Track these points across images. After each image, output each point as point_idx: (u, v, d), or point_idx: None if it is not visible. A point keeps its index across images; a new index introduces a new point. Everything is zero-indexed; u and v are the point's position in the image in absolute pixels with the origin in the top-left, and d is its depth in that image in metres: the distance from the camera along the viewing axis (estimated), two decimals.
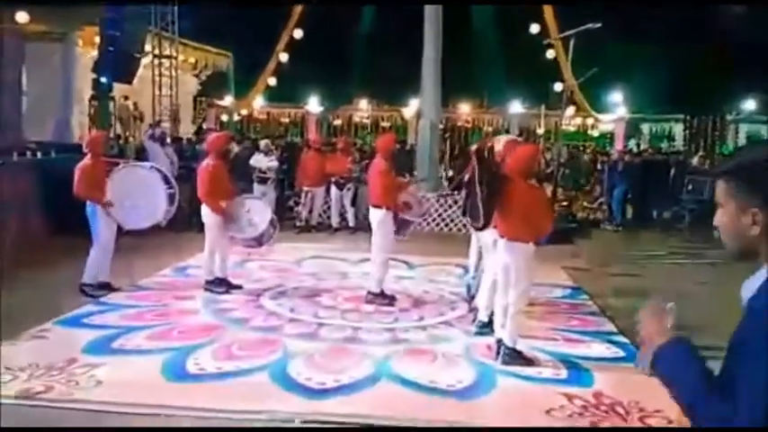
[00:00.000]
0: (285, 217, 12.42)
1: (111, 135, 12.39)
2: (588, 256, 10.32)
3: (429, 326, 6.24)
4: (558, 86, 19.99)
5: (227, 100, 23.82)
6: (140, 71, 14.87)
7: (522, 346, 5.53)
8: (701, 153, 16.58)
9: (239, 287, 7.05)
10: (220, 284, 6.92)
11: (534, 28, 22.93)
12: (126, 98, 16.82)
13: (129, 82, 12.32)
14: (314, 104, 26.64)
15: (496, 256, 5.31)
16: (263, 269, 8.41)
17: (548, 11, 22.18)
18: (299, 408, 4.29)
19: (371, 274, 6.74)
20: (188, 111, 20.79)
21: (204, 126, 22.52)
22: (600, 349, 5.75)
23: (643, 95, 23.98)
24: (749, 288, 1.56)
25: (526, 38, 22.47)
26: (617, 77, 23.50)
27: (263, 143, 11.91)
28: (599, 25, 12.73)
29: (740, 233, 1.58)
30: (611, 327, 6.43)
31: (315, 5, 23.15)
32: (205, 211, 6.82)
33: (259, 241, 7.08)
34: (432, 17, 13.01)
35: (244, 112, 25.70)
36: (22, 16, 12.18)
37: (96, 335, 5.53)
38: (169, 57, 14.39)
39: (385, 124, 27.86)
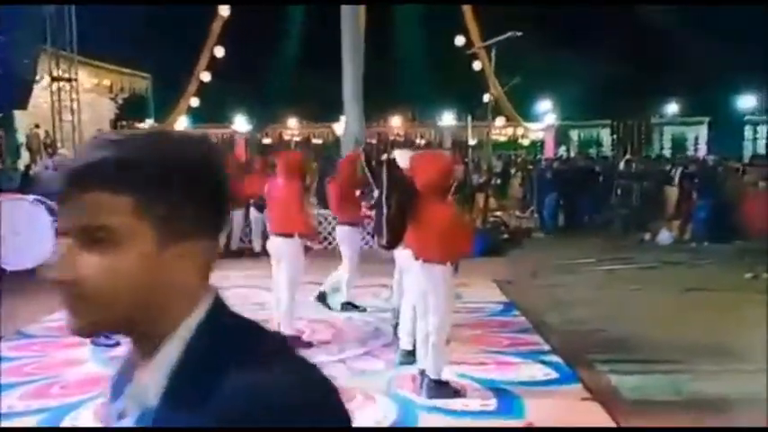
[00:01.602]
0: None
1: (21, 166, 11.51)
2: (520, 267, 9.99)
3: (349, 358, 5.70)
4: (486, 97, 19.93)
5: (148, 123, 22.94)
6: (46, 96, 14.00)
7: (448, 374, 5.06)
8: (627, 157, 16.67)
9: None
10: (108, 336, 6.11)
11: (459, 40, 22.89)
12: (37, 126, 15.81)
13: (23, 107, 11.41)
14: (241, 124, 25.96)
15: (413, 279, 4.82)
16: None
17: (471, 22, 22.14)
18: None
19: (282, 314, 5.98)
20: None
21: None
22: (532, 372, 5.33)
23: (570, 103, 24.25)
24: None
25: (453, 49, 22.40)
26: (544, 86, 23.72)
27: None
28: (520, 34, 12.60)
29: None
30: (544, 345, 6.04)
31: (236, 20, 22.50)
32: None
33: None
34: (349, 29, 12.64)
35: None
36: None
37: None
38: (69, 79, 13.46)
39: (317, 141, 27.42)
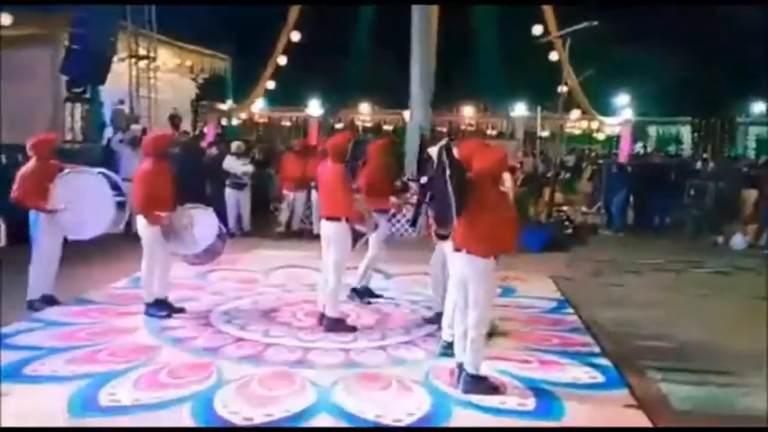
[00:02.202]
0: (264, 223, 11.92)
1: (104, 140, 11.89)
2: (582, 264, 9.67)
3: (390, 346, 5.64)
4: (560, 89, 19.39)
5: (228, 104, 23.31)
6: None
7: (488, 369, 4.94)
8: (704, 156, 15.88)
9: (182, 310, 6.34)
10: (161, 307, 6.21)
11: (537, 29, 22.28)
12: (121, 102, 16.38)
13: (101, 83, 11.76)
14: (315, 108, 26.18)
15: (454, 272, 4.70)
16: (224, 280, 7.85)
17: (548, 11, 21.50)
18: None
19: (327, 296, 5.98)
20: (186, 115, 20.29)
21: (205, 131, 22.12)
22: (577, 374, 5.13)
23: (650, 97, 23.28)
24: None
25: (529, 39, 21.83)
26: (623, 79, 22.85)
27: (234, 145, 11.35)
28: (596, 23, 12.20)
29: None
30: (594, 347, 5.81)
31: (313, 7, 22.62)
32: (141, 223, 6.08)
33: (203, 258, 6.41)
34: (420, 16, 12.49)
35: (243, 116, 25.24)
36: (5, 18, 11.73)
37: (14, 357, 4.98)
38: (147, 57, 13.80)
39: (387, 127, 27.41)
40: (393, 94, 23.85)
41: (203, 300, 6.91)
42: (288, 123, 27.11)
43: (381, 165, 6.84)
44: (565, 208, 13.74)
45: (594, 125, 24.82)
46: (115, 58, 13.11)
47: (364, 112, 26.89)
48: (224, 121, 24.39)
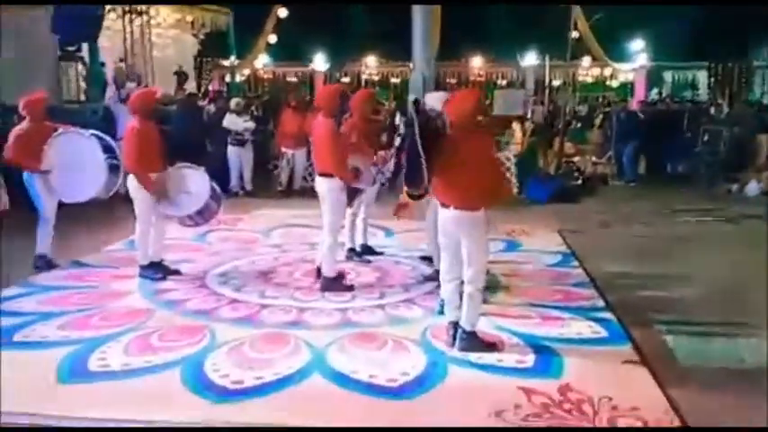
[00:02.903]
0: (265, 182, 11.75)
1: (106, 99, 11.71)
2: (590, 216, 9.47)
3: (389, 304, 5.52)
4: (571, 36, 18.83)
5: (231, 60, 22.84)
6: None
7: (487, 326, 4.83)
8: (718, 101, 15.42)
9: (177, 272, 6.24)
10: (156, 270, 6.10)
11: None
12: (122, 60, 16.12)
13: (93, 40, 11.46)
14: (320, 62, 25.75)
15: (443, 229, 4.52)
16: (224, 241, 7.74)
17: None
18: (200, 414, 3.63)
19: (323, 256, 5.84)
20: (190, 72, 19.99)
21: (210, 88, 21.84)
22: (579, 328, 5.00)
23: (664, 43, 22.58)
24: None
25: None
26: (637, 23, 22.15)
27: (233, 102, 11.10)
28: None
29: None
30: (598, 300, 5.66)
31: None
32: (132, 185, 5.91)
33: (197, 219, 6.24)
34: None
35: (246, 71, 24.88)
36: None
37: (5, 323, 4.91)
38: (140, 13, 13.48)
39: (395, 80, 26.96)
40: (401, 45, 23.37)
41: (200, 261, 6.81)
42: (294, 79, 26.74)
43: (363, 117, 6.57)
44: (576, 159, 13.47)
45: (608, 72, 24.25)
46: (113, 15, 12.87)
47: (371, 65, 26.43)
48: (227, 78, 24.06)
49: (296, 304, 5.48)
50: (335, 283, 5.78)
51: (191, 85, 18.94)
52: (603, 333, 4.92)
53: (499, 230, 8.02)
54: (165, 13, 18.08)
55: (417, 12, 12.33)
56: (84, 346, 4.51)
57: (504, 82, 24.93)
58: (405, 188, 4.74)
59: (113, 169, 6.23)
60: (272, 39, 23.12)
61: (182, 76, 18.64)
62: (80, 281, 6.08)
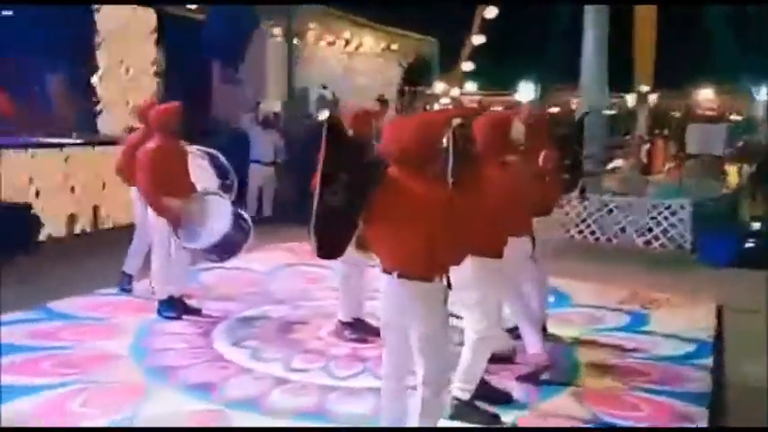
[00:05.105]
0: None
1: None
2: None
3: None
4: None
5: (439, 87, 22.26)
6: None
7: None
8: None
9: (198, 311, 5.46)
10: (172, 307, 5.37)
11: None
12: (324, 87, 16.48)
13: (235, 60, 11.20)
14: (526, 91, 24.33)
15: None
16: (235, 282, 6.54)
17: None
18: None
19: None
20: (393, 100, 19.85)
21: None
22: None
23: None
24: None
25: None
26: None
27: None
28: None
29: None
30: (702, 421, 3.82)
31: None
32: (150, 211, 5.26)
33: (220, 253, 5.28)
34: None
35: (444, 100, 24.28)
36: None
37: None
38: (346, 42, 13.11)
39: (608, 112, 24.61)
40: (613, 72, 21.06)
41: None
42: (498, 108, 25.58)
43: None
44: None
45: None
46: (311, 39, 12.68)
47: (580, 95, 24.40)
48: (427, 107, 23.64)
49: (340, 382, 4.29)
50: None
51: (391, 114, 18.76)
52: None
53: (638, 298, 6.35)
54: (370, 42, 18.25)
55: (588, 31, 10.63)
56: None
57: (739, 117, 21.46)
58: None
59: (226, 189, 5.52)
60: (467, 66, 22.16)
61: (384, 104, 18.53)
62: (95, 311, 5.45)
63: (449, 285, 3.06)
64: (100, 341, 4.74)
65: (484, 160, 3.82)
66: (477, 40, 20.79)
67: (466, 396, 3.76)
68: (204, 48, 9.89)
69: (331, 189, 2.75)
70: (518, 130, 4.30)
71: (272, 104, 11.85)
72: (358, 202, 2.83)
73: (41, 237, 7.61)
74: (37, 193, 7.82)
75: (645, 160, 14.26)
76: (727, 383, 4.58)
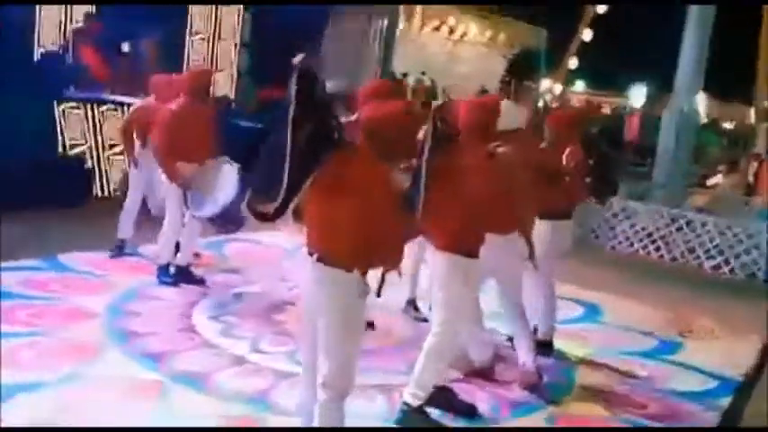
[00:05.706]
0: None
1: None
2: None
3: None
4: None
5: (547, 83, 21.44)
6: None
7: None
8: None
9: (202, 282, 5.34)
10: (175, 273, 5.28)
11: None
12: (423, 73, 16.25)
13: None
14: (637, 95, 23.13)
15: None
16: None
17: None
18: None
19: None
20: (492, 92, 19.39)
21: None
22: None
23: None
24: None
25: None
26: None
27: None
28: None
29: None
30: None
31: None
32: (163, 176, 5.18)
33: (224, 224, 5.11)
34: None
35: (548, 97, 23.34)
36: None
37: None
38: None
39: (728, 125, 22.88)
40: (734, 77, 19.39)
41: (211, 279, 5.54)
42: (607, 111, 24.31)
43: None
44: None
45: None
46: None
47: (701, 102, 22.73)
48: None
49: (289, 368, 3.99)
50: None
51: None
52: None
53: (678, 324, 5.75)
54: (475, 30, 17.82)
55: (690, 29, 9.76)
56: None
57: None
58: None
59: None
60: (573, 63, 21.17)
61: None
62: (97, 267, 5.44)
63: (380, 288, 2.80)
64: (83, 296, 4.75)
65: (465, 148, 3.55)
66: (587, 35, 19.80)
67: (416, 403, 3.49)
68: (289, 24, 9.87)
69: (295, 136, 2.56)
70: (513, 115, 3.93)
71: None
72: (311, 161, 2.62)
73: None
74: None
75: (751, 180, 13.05)
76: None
